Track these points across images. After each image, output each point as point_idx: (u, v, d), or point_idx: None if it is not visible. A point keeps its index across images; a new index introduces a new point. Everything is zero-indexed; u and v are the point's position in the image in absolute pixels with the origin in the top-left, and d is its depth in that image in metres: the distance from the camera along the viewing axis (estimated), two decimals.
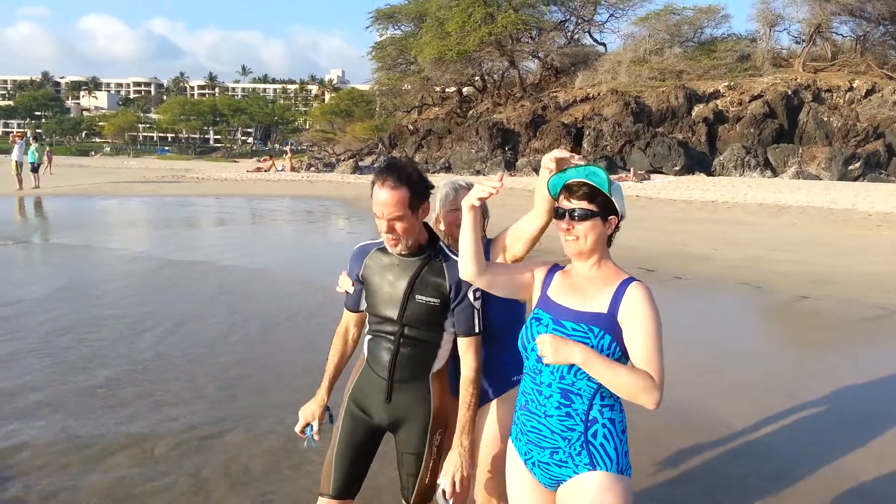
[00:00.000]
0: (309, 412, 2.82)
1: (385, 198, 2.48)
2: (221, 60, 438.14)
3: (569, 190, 2.24)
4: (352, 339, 2.89)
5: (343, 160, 46.10)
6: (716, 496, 3.97)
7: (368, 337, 2.74)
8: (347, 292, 2.80)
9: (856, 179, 34.68)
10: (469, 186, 2.74)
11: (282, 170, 43.15)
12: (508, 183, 30.34)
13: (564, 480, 2.24)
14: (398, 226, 2.51)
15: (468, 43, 44.19)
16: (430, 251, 2.63)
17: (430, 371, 2.66)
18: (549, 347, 2.13)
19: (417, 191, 2.52)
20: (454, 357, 2.69)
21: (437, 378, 2.67)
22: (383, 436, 2.78)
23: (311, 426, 2.79)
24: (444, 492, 2.56)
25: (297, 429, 2.82)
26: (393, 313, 2.62)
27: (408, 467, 2.69)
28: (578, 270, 2.33)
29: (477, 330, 2.61)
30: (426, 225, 2.68)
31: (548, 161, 2.33)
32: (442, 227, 2.91)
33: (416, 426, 2.65)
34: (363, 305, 2.76)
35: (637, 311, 2.17)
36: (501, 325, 2.71)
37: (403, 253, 2.60)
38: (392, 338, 2.64)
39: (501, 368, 2.75)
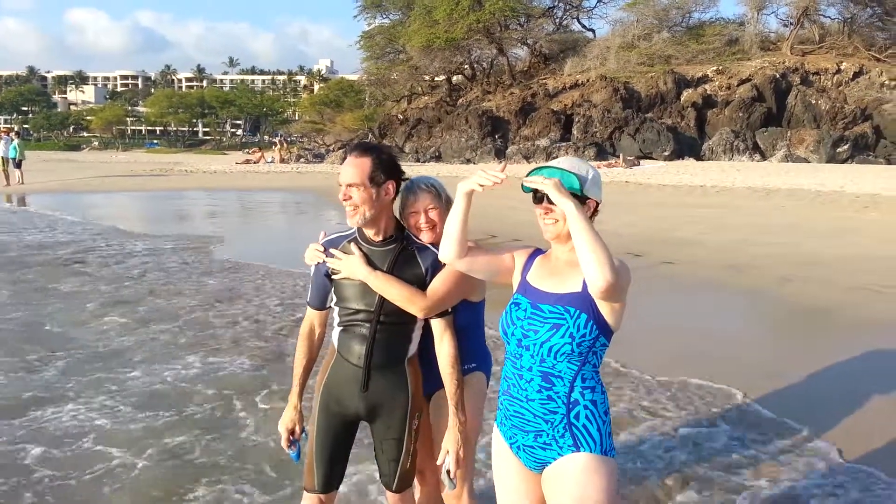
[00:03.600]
0: (288, 421, 2.77)
1: (345, 165, 2.56)
2: (209, 52, 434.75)
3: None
4: (318, 339, 2.81)
5: (333, 151, 45.96)
6: (701, 470, 4.05)
7: (339, 329, 2.70)
8: (319, 263, 2.69)
9: (844, 162, 34.74)
10: (429, 187, 2.75)
11: (271, 161, 42.97)
12: None
13: (549, 463, 2.25)
14: (354, 193, 2.52)
15: (456, 30, 43.88)
16: (401, 239, 2.66)
17: (406, 356, 2.69)
18: (552, 188, 2.15)
19: (382, 167, 2.55)
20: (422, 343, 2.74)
21: (411, 363, 2.70)
22: (358, 425, 2.78)
23: (302, 437, 2.78)
24: (448, 472, 2.59)
25: (284, 444, 2.78)
26: (369, 304, 2.61)
27: (388, 453, 2.70)
28: (558, 255, 2.34)
29: (449, 309, 2.66)
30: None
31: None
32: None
33: (396, 412, 2.67)
34: (332, 300, 2.72)
35: None
36: (461, 325, 2.74)
37: (366, 233, 2.62)
38: (368, 325, 2.62)
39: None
